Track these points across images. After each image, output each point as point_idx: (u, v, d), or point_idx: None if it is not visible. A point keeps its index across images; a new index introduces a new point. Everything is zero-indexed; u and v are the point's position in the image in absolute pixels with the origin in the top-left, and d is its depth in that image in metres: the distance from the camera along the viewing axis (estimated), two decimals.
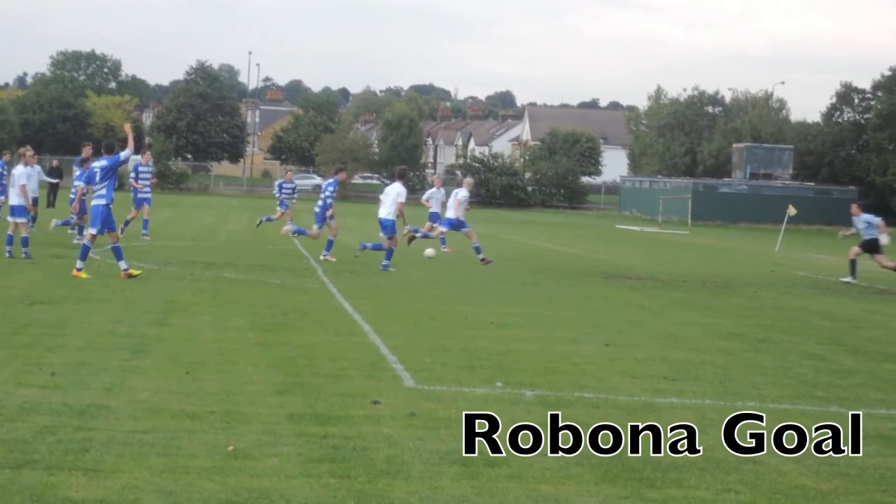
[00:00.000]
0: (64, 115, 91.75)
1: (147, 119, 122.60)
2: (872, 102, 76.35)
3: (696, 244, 44.08)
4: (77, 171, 26.12)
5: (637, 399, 10.37)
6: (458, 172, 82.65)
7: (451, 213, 27.08)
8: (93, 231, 18.80)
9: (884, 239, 26.67)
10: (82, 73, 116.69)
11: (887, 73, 73.43)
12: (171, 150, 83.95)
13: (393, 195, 23.40)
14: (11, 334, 12.16)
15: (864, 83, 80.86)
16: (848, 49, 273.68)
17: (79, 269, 18.28)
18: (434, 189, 31.14)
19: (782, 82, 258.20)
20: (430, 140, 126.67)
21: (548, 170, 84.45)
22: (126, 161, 19.32)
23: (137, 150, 28.72)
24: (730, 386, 11.34)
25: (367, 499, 6.88)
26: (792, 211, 41.52)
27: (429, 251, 25.99)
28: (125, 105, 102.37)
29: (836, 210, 70.02)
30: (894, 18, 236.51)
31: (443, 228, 27.79)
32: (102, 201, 18.71)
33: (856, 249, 26.15)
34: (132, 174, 29.41)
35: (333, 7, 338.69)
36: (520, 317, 16.15)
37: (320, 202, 24.89)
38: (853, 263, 25.87)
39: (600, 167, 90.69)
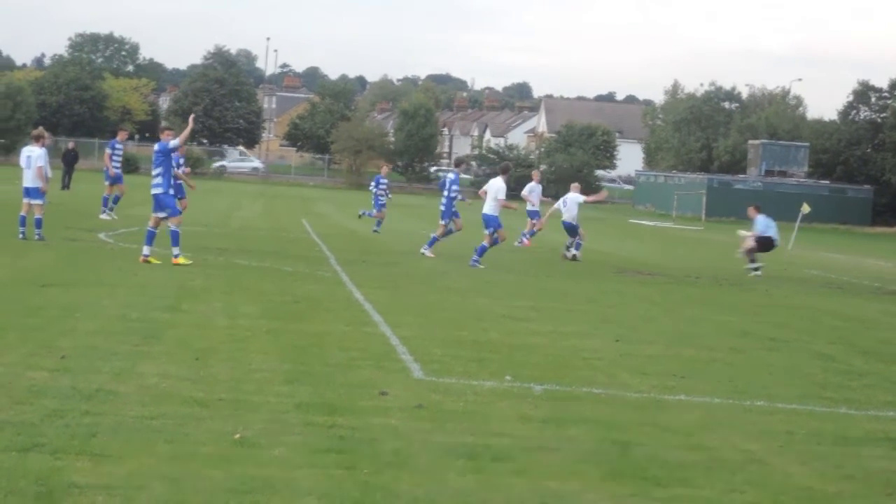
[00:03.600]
0: (81, 97, 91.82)
1: (164, 103, 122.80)
2: (889, 101, 76.02)
3: (709, 240, 43.95)
4: (109, 152, 29.93)
5: (646, 396, 10.36)
6: (474, 164, 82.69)
7: (572, 219, 26.18)
8: (163, 215, 19.00)
9: (744, 233, 27.34)
10: (100, 55, 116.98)
11: None
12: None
13: (493, 191, 23.20)
14: (23, 316, 12.17)
15: (882, 82, 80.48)
16: (866, 47, 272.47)
17: (175, 256, 18.53)
18: (534, 183, 29.88)
19: (799, 79, 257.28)
20: (445, 130, 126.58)
21: (563, 162, 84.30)
22: (175, 149, 19.39)
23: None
24: (739, 385, 11.32)
25: (373, 490, 6.87)
26: (806, 209, 41.35)
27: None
28: (142, 88, 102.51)
29: (851, 209, 69.92)
30: None
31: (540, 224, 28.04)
32: (160, 190, 19.11)
33: (750, 243, 26.24)
34: None
35: None
36: (531, 310, 16.13)
37: (445, 199, 24.51)
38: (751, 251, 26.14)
39: (615, 161, 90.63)
